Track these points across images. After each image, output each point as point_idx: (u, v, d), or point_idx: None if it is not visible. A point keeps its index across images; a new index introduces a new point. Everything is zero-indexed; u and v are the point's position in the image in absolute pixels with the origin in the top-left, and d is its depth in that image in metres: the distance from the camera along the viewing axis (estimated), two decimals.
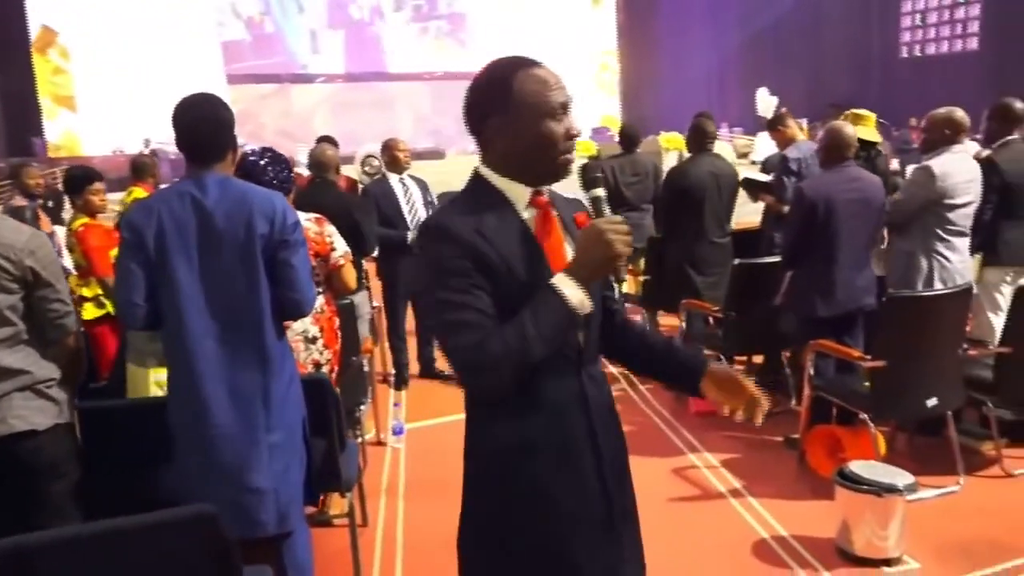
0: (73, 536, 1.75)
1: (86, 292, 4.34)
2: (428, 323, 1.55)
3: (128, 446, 2.52)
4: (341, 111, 20.99)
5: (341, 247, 3.38)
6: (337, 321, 3.49)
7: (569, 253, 1.59)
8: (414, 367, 5.63)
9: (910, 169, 5.08)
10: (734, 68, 22.24)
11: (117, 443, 2.53)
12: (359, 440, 4.12)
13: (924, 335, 3.51)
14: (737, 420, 1.70)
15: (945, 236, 3.85)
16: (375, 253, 5.22)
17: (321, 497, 3.55)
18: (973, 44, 17.07)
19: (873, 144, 5.16)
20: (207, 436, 2.30)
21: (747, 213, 6.82)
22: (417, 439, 4.58)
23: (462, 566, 1.73)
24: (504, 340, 1.44)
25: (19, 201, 6.41)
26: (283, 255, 2.37)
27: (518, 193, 1.57)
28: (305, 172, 6.17)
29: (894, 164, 9.12)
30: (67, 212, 8.41)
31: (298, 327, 3.24)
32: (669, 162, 11.99)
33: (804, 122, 13.77)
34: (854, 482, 3.08)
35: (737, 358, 5.20)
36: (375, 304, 5.44)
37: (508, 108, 1.51)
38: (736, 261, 4.67)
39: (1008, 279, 4.26)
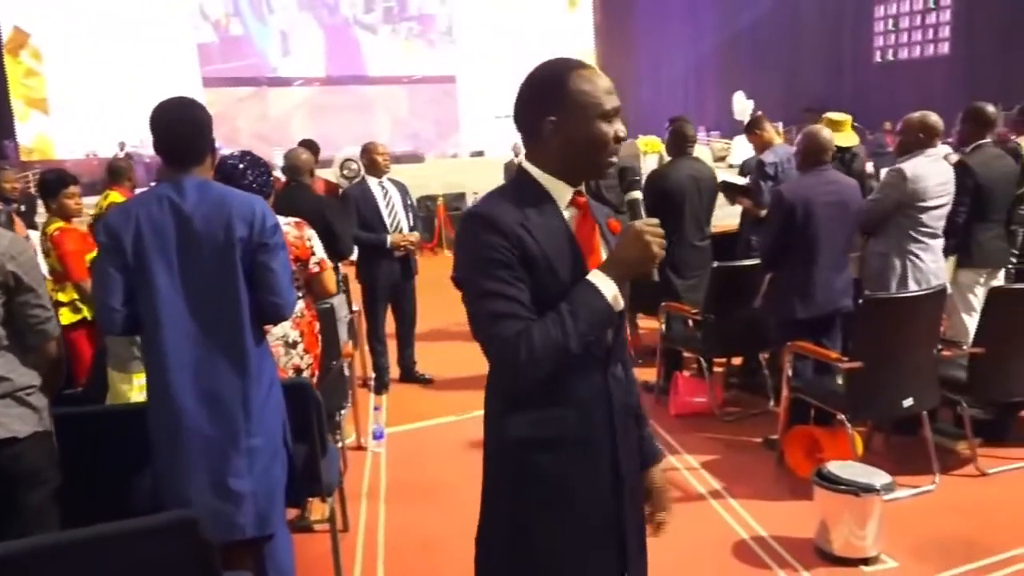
0: (52, 544, 1.72)
1: (62, 297, 4.29)
2: (468, 310, 1.55)
3: (106, 452, 2.50)
4: (318, 114, 20.89)
5: (320, 251, 3.37)
6: (317, 325, 3.47)
7: (604, 254, 1.63)
8: (395, 371, 5.62)
9: (884, 172, 5.14)
10: (711, 71, 22.44)
11: (94, 449, 2.50)
12: (339, 445, 4.11)
13: (899, 336, 3.56)
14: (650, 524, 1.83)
15: (918, 238, 3.90)
16: (354, 256, 5.21)
17: (306, 501, 3.54)
18: (944, 49, 17.35)
19: (848, 148, 5.22)
20: (185, 440, 2.28)
21: (727, 216, 6.88)
22: (398, 443, 4.57)
23: (480, 559, 1.75)
24: (545, 333, 1.48)
25: None
26: (263, 259, 2.36)
27: (561, 191, 1.60)
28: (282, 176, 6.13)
29: (869, 167, 9.22)
30: (40, 216, 8.30)
31: (278, 332, 3.23)
32: (648, 165, 12.07)
33: (780, 126, 13.92)
34: (832, 482, 3.11)
35: (716, 360, 5.24)
36: (355, 308, 5.43)
37: (564, 107, 1.54)
38: (715, 264, 4.71)
39: (981, 281, 4.33)
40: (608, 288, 1.51)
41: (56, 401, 3.40)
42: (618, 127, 1.59)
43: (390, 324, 5.44)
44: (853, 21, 18.85)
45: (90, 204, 5.84)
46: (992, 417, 4.09)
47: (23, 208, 9.80)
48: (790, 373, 3.92)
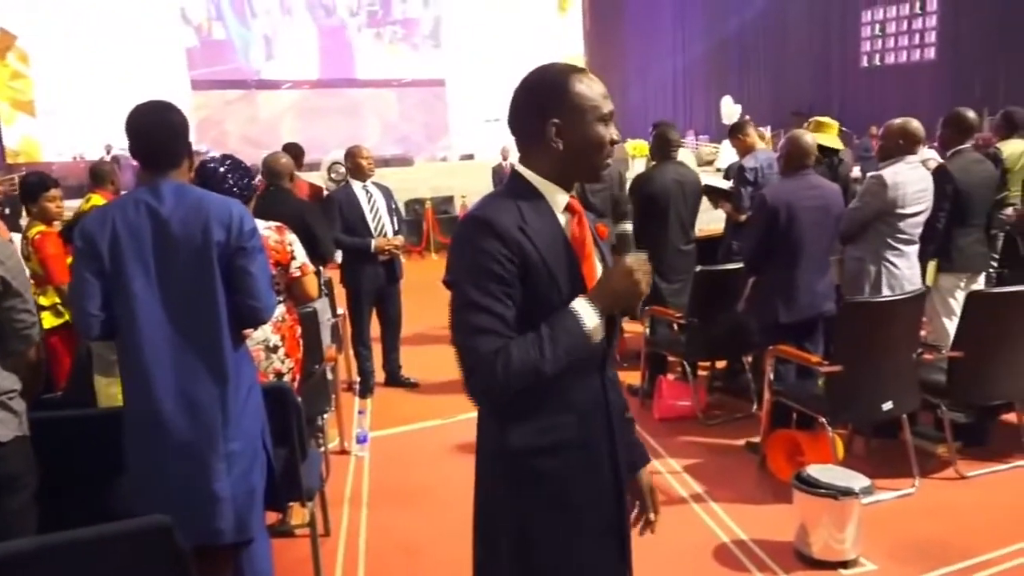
0: (25, 549, 1.71)
1: (43, 301, 4.27)
2: (451, 315, 1.55)
3: (84, 457, 2.48)
4: (308, 117, 20.83)
5: (301, 256, 3.37)
6: (299, 330, 3.47)
7: (597, 259, 1.65)
8: (380, 375, 5.61)
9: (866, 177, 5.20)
10: (699, 75, 22.52)
11: (73, 454, 2.49)
12: (322, 449, 4.10)
13: (878, 340, 3.58)
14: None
15: (895, 244, 3.92)
16: (339, 260, 5.20)
17: (287, 506, 3.53)
18: (930, 54, 17.45)
19: (835, 151, 5.25)
20: (163, 445, 2.27)
21: (713, 220, 6.90)
22: (381, 447, 4.56)
23: (478, 565, 1.75)
24: (522, 354, 1.48)
25: None
26: (241, 262, 2.35)
27: (556, 196, 1.61)
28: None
29: (855, 171, 9.28)
30: (25, 219, 8.24)
31: (259, 336, 3.22)
32: (637, 169, 12.09)
33: (768, 130, 13.96)
34: (811, 485, 3.12)
35: (700, 363, 5.25)
36: (340, 311, 5.42)
37: (566, 110, 1.56)
38: (698, 268, 4.73)
39: (962, 285, 4.36)
40: (591, 319, 1.52)
41: (35, 406, 3.39)
42: (613, 131, 1.62)
43: (375, 328, 5.44)
44: (840, 26, 18.95)
45: (75, 207, 5.82)
46: (972, 421, 4.11)
47: (7, 211, 9.77)
48: (772, 377, 3.94)
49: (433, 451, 4.41)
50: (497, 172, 12.75)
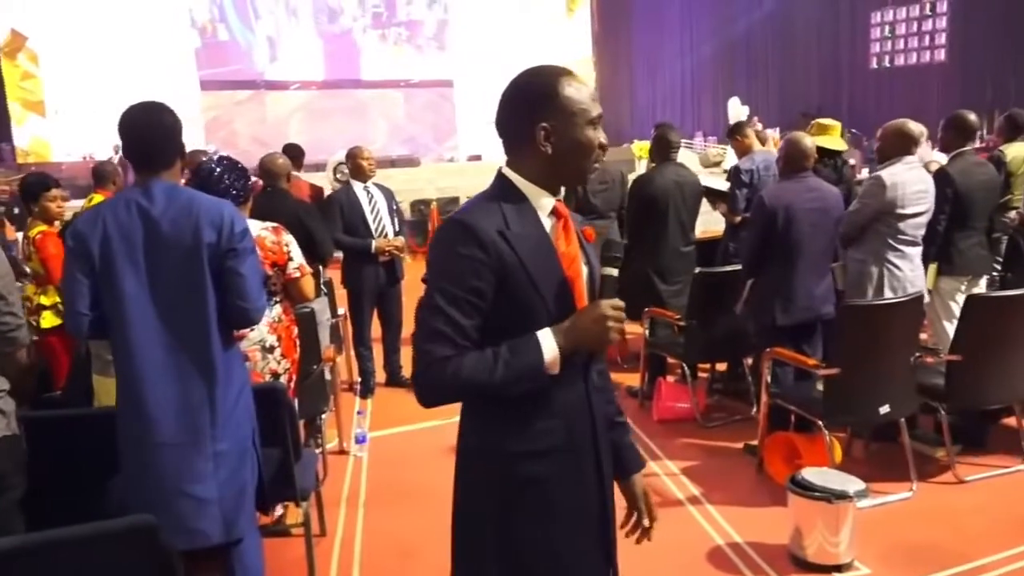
0: (7, 548, 1.72)
1: (44, 300, 4.29)
2: (416, 312, 1.57)
3: (78, 456, 2.50)
4: (316, 118, 20.89)
5: (298, 256, 3.38)
6: (295, 330, 3.48)
7: (583, 263, 1.64)
8: (380, 375, 5.62)
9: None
10: (707, 77, 22.46)
11: (67, 453, 2.51)
12: (320, 449, 4.11)
13: (876, 343, 3.56)
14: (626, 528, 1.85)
15: (896, 246, 3.90)
16: (340, 258, 5.22)
17: (283, 506, 3.54)
18: (941, 56, 17.34)
19: (839, 153, 5.23)
20: (152, 446, 2.29)
21: (716, 222, 6.88)
22: (380, 448, 4.57)
23: (457, 570, 1.74)
24: (472, 369, 1.49)
25: None
26: (231, 263, 2.36)
27: (542, 200, 1.61)
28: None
29: (864, 173, 9.25)
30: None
31: (255, 336, 3.24)
32: (641, 170, 12.07)
33: (776, 131, 13.94)
34: (806, 489, 3.11)
35: (700, 366, 5.24)
36: (340, 312, 5.44)
37: (554, 114, 1.55)
38: (697, 270, 4.72)
39: (962, 288, 4.34)
40: (550, 351, 1.51)
41: (35, 405, 3.42)
42: (601, 135, 1.61)
43: (376, 329, 5.45)
44: (850, 27, 18.86)
45: (80, 207, 5.86)
46: (972, 424, 4.09)
47: (16, 211, 9.82)
48: (769, 379, 3.93)
49: (432, 452, 4.41)
50: None
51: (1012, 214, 5.24)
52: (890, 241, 3.90)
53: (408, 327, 5.59)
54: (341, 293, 5.46)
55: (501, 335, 1.52)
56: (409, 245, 5.27)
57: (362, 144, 5.46)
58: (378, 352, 5.55)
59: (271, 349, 3.30)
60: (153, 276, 2.30)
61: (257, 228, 3.29)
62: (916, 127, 3.94)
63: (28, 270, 4.46)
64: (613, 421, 1.83)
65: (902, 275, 3.89)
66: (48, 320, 4.27)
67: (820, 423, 3.62)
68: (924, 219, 3.97)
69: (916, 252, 3.98)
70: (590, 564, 1.73)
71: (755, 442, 4.11)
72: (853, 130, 14.35)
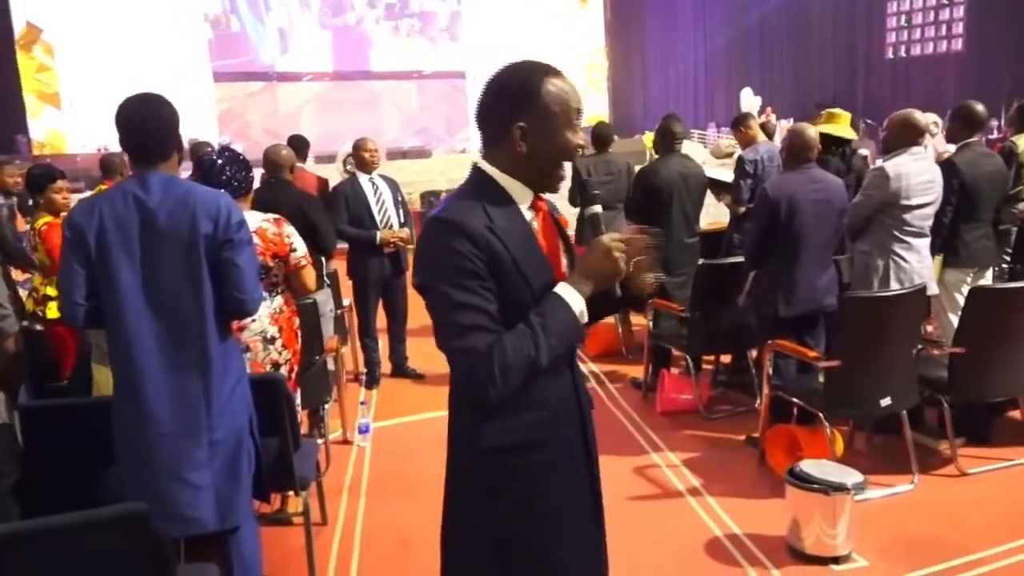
0: (0, 535, 1.75)
1: (51, 291, 4.32)
2: (435, 319, 1.53)
3: (71, 445, 2.53)
4: (328, 110, 20.93)
5: (301, 248, 3.39)
6: (296, 321, 3.50)
7: (564, 256, 1.65)
8: (387, 366, 5.64)
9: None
10: (721, 68, 22.29)
11: (60, 443, 2.53)
12: (322, 439, 4.14)
13: (877, 335, 3.54)
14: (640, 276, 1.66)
15: (902, 237, 3.87)
16: (346, 249, 5.24)
17: (284, 495, 3.58)
18: (958, 45, 17.14)
19: (848, 142, 5.19)
20: (147, 435, 2.31)
21: (722, 213, 6.86)
22: (384, 438, 4.59)
23: (447, 563, 1.75)
24: (517, 347, 1.46)
25: None
26: (227, 255, 2.37)
27: (522, 194, 1.60)
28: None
29: (879, 163, 9.16)
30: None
31: (256, 327, 3.26)
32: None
33: (790, 122, 13.83)
34: (804, 481, 3.11)
35: (705, 358, 5.24)
36: (346, 303, 5.46)
37: (532, 114, 1.53)
38: (700, 262, 4.71)
39: (968, 280, 4.31)
40: (577, 303, 1.51)
41: (38, 394, 3.46)
42: (580, 136, 1.60)
43: (382, 319, 5.47)
44: (865, 17, 18.66)
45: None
46: (977, 417, 4.07)
47: (31, 202, 9.90)
48: (771, 371, 3.92)
49: (435, 442, 4.34)
50: None
51: (1022, 205, 5.18)
52: (895, 233, 3.87)
53: (414, 318, 5.66)
54: (347, 284, 5.49)
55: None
56: (417, 236, 5.26)
57: (375, 135, 5.48)
58: (384, 343, 5.57)
59: (272, 340, 3.32)
60: (149, 267, 2.31)
61: (259, 219, 3.31)
62: (922, 118, 3.90)
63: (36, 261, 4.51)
64: None
65: (908, 267, 3.86)
66: (54, 311, 4.30)
67: (821, 415, 3.60)
68: (931, 210, 3.94)
69: (923, 243, 3.94)
70: (582, 555, 1.73)
71: (757, 434, 4.10)
72: (868, 120, 14.21)
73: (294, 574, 3.16)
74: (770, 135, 5.97)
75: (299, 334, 3.51)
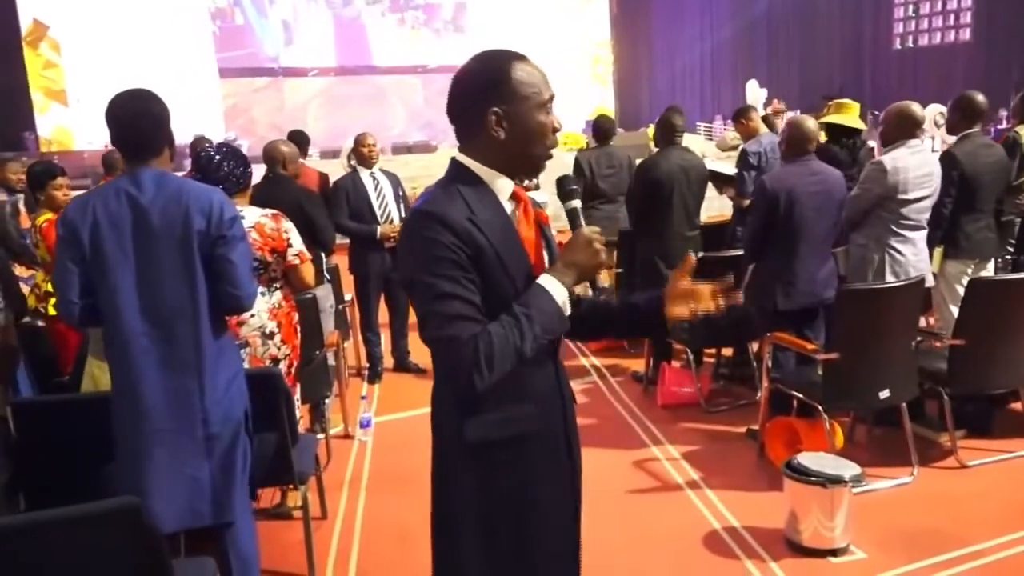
0: None
1: (51, 288, 4.36)
2: (419, 312, 1.53)
3: (67, 440, 2.55)
4: (334, 104, 20.96)
5: (298, 243, 3.40)
6: (295, 316, 3.51)
7: (544, 247, 1.65)
8: (389, 361, 5.66)
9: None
10: (727, 60, 22.20)
11: (55, 438, 2.55)
12: (322, 434, 4.16)
13: (876, 327, 3.53)
14: (699, 312, 1.70)
15: (898, 230, 3.86)
16: (347, 244, 5.25)
17: (284, 489, 3.60)
18: (966, 35, 17.02)
19: (857, 133, 5.16)
20: (144, 430, 2.33)
21: (727, 206, 6.85)
22: (385, 432, 4.61)
23: (437, 557, 1.74)
24: (502, 336, 1.46)
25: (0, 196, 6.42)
26: (221, 251, 2.38)
27: (502, 185, 1.60)
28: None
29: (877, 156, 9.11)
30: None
31: (255, 323, 3.28)
32: None
33: (798, 113, 13.75)
34: (801, 473, 3.11)
35: (706, 351, 5.23)
36: (347, 298, 5.48)
37: (505, 99, 1.53)
38: (700, 254, 4.70)
39: (969, 272, 4.27)
40: (560, 293, 1.52)
41: (43, 389, 3.48)
42: (555, 118, 1.59)
43: (383, 314, 5.48)
44: (873, 6, 18.54)
45: None
46: (978, 409, 4.05)
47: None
48: (770, 364, 3.92)
49: None
50: None
51: None
52: (892, 227, 3.85)
53: (415, 314, 5.65)
54: (348, 279, 5.50)
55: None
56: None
57: (380, 130, 5.51)
58: (386, 338, 5.59)
59: (271, 335, 3.33)
60: (143, 264, 2.33)
61: (257, 215, 3.32)
62: (919, 110, 3.88)
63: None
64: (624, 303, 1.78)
65: (904, 260, 3.85)
66: (54, 308, 4.34)
67: (820, 408, 3.60)
68: (928, 203, 3.92)
69: (920, 236, 3.93)
70: (559, 549, 1.73)
71: (757, 427, 4.10)
72: (876, 112, 14.14)
73: (293, 568, 3.18)
74: (772, 127, 5.94)
75: (298, 329, 3.52)
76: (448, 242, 1.47)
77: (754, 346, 4.97)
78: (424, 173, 13.94)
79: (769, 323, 3.96)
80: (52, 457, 2.54)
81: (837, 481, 3.04)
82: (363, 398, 4.96)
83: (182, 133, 10.68)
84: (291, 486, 3.18)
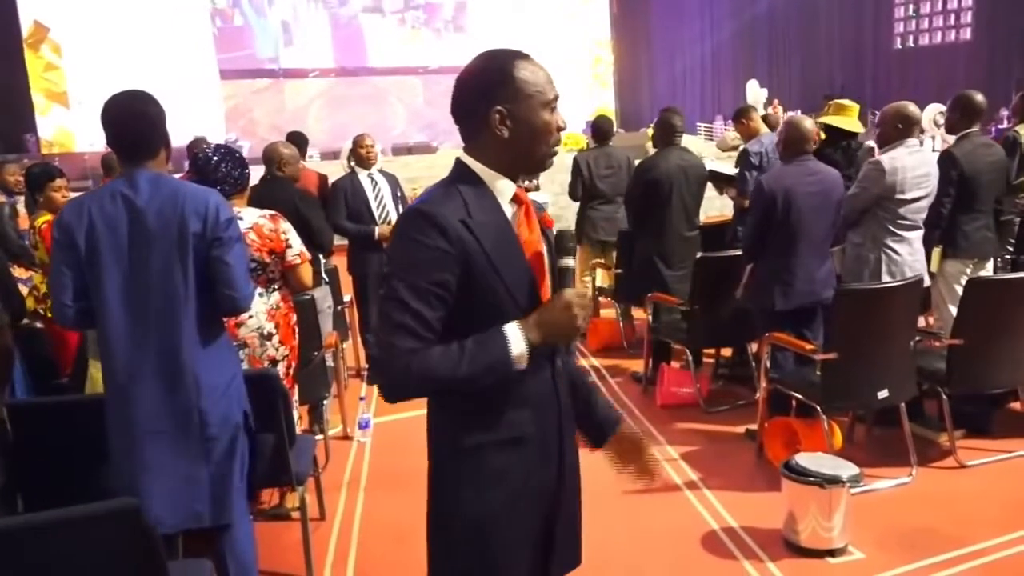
0: None
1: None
2: (379, 305, 1.54)
3: (64, 442, 2.55)
4: (335, 106, 20.98)
5: (297, 244, 3.40)
6: (294, 317, 3.51)
7: (544, 250, 1.63)
8: None
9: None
10: (728, 59, 22.22)
11: (53, 439, 2.56)
12: (321, 435, 4.16)
13: (874, 327, 3.53)
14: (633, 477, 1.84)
15: (895, 230, 3.85)
16: (345, 245, 5.25)
17: (283, 490, 3.60)
18: (966, 34, 17.02)
19: (855, 135, 5.15)
20: (140, 433, 2.32)
21: (728, 206, 6.84)
22: (384, 433, 4.61)
23: (433, 560, 1.74)
24: (437, 363, 1.46)
25: None
26: (217, 252, 2.38)
27: (502, 187, 1.59)
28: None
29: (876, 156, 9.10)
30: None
31: (253, 324, 3.28)
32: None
33: (798, 113, 13.75)
34: (799, 474, 3.10)
35: (706, 351, 5.23)
36: (346, 299, 5.48)
37: (509, 98, 1.53)
38: (699, 255, 4.70)
39: (968, 271, 4.27)
40: (518, 347, 1.49)
41: (42, 391, 3.48)
42: (559, 117, 1.59)
43: None
44: (873, 6, 18.55)
45: None
46: (977, 409, 4.05)
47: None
48: (768, 364, 3.92)
49: None
50: None
51: None
52: (888, 226, 3.85)
53: None
54: (347, 280, 5.50)
55: (467, 324, 1.50)
56: None
57: (381, 131, 5.52)
58: None
59: (269, 336, 3.33)
60: (139, 266, 2.32)
61: (255, 216, 3.32)
62: (916, 110, 3.88)
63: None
64: (581, 383, 1.83)
65: (900, 259, 3.84)
66: None
67: (819, 408, 3.60)
68: (925, 203, 3.92)
69: (916, 236, 3.93)
70: (533, 556, 1.71)
71: (756, 427, 4.09)
72: (876, 112, 14.13)
73: (291, 569, 3.18)
74: (772, 127, 5.93)
75: (296, 330, 3.52)
76: (431, 242, 1.47)
77: (753, 346, 4.96)
78: (426, 174, 13.96)
79: (767, 323, 3.95)
80: (50, 459, 2.54)
81: (835, 481, 3.03)
82: (362, 399, 4.96)
83: (184, 135, 10.67)
84: (289, 487, 3.18)
